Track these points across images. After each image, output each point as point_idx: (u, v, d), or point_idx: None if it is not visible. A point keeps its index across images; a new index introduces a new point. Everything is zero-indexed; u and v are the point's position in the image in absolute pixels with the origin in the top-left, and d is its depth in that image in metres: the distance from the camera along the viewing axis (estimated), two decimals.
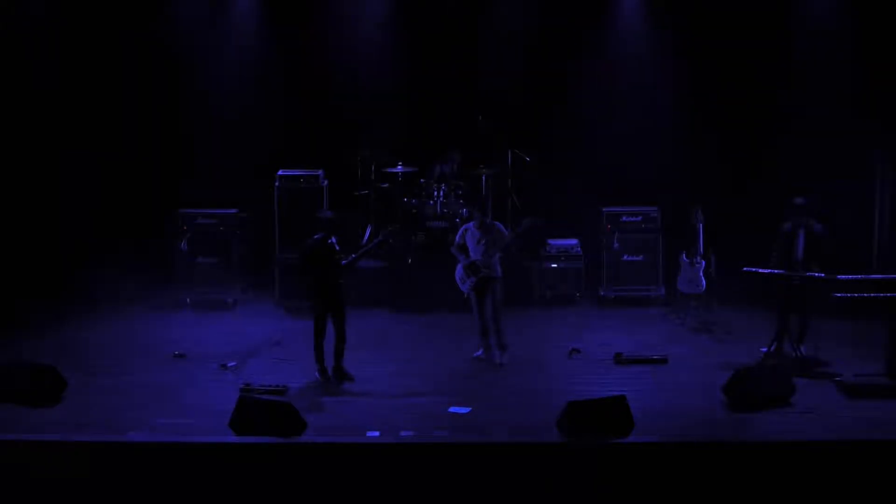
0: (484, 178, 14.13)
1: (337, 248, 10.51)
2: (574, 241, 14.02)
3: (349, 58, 14.75)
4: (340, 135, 14.49)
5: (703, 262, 12.66)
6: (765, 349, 10.95)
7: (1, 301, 12.80)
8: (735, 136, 14.19)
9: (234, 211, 13.72)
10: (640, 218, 13.87)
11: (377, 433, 8.89)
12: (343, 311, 10.55)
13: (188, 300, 13.55)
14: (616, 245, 13.73)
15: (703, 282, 12.63)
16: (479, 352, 11.24)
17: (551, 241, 13.97)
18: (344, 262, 10.49)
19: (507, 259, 11.24)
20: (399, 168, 14.12)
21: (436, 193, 13.83)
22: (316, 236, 10.53)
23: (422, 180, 14.04)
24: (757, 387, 9.63)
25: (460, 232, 11.33)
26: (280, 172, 13.74)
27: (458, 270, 11.16)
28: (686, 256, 12.72)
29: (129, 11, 14.22)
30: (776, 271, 10.90)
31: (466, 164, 14.24)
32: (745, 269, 10.98)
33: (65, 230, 13.84)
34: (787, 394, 9.72)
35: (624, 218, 13.87)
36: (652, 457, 8.49)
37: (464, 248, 11.13)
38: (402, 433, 8.93)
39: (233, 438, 8.64)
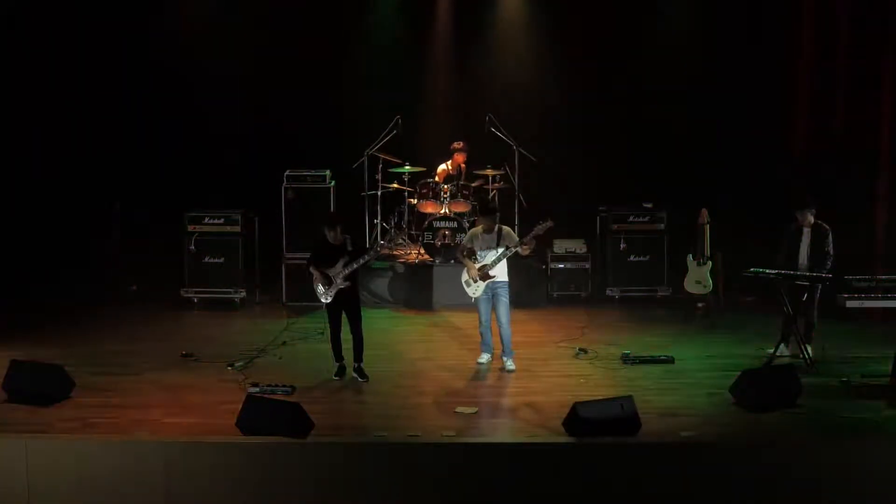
0: (491, 178, 14.14)
1: (349, 247, 10.39)
2: (580, 241, 14.02)
3: (354, 57, 14.76)
4: (347, 135, 14.49)
5: (710, 263, 12.65)
6: (771, 350, 10.93)
7: (8, 301, 12.84)
8: (741, 137, 14.16)
9: (241, 211, 13.73)
10: (646, 218, 13.88)
11: (384, 433, 8.89)
12: (357, 311, 10.49)
13: (195, 300, 13.59)
14: (623, 245, 13.73)
15: (710, 282, 12.63)
16: (482, 358, 11.06)
17: (558, 241, 13.98)
18: (342, 272, 10.32)
19: (516, 262, 11.11)
20: (406, 168, 14.13)
21: (442, 194, 13.83)
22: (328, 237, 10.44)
23: (428, 180, 14.05)
24: (763, 387, 9.62)
25: (468, 236, 11.06)
26: (287, 172, 13.77)
27: (464, 274, 10.87)
28: (693, 257, 12.72)
29: (133, 12, 14.24)
30: (782, 272, 10.89)
31: (473, 165, 14.25)
32: (751, 269, 10.97)
33: (70, 230, 13.86)
34: (794, 394, 9.71)
35: (631, 218, 13.89)
36: (659, 457, 8.51)
37: (471, 252, 10.79)
38: (409, 433, 8.93)
39: (240, 438, 8.67)
